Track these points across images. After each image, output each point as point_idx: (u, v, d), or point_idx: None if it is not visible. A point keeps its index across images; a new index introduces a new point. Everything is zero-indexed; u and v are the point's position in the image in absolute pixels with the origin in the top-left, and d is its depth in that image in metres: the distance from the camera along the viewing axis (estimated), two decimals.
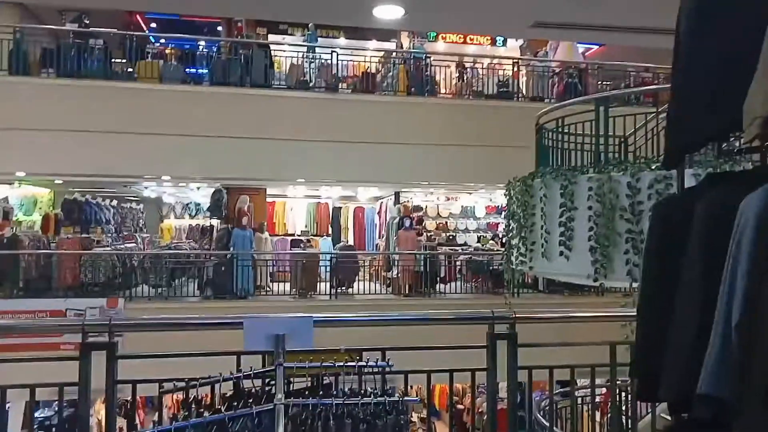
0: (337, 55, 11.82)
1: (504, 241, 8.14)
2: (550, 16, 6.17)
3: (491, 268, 11.62)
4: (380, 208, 15.30)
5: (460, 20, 7.11)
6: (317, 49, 12.39)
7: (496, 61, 13.75)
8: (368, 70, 12.23)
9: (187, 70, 11.53)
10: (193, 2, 6.85)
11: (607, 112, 5.68)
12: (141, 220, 16.27)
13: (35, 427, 7.14)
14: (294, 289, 11.27)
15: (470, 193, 15.65)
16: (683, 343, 1.47)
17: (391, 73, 12.17)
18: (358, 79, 12.30)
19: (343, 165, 11.13)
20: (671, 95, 1.93)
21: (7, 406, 2.80)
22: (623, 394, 6.22)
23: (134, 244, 12.90)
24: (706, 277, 1.43)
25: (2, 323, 4.67)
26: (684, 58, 1.84)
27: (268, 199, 14.40)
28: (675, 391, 1.49)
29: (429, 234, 13.91)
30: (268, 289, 11.53)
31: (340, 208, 15.76)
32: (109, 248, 11.55)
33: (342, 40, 15.08)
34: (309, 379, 2.47)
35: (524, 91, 12.72)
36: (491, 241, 14.42)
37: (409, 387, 2.95)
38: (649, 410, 3.83)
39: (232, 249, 10.97)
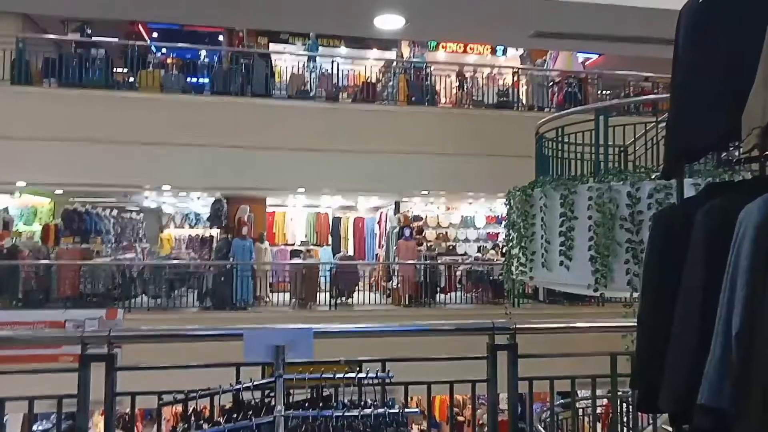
0: (338, 64, 11.87)
1: (504, 251, 8.13)
2: (549, 26, 6.21)
3: (491, 278, 11.59)
4: (380, 217, 15.30)
5: (461, 30, 7.14)
6: (318, 59, 12.46)
7: (496, 70, 13.79)
8: (369, 80, 12.28)
9: (188, 79, 11.59)
10: (194, 13, 6.87)
11: (607, 121, 5.69)
12: (141, 231, 16.25)
13: None
14: (294, 300, 11.24)
15: (470, 203, 15.65)
16: (684, 354, 1.47)
17: (391, 83, 12.22)
18: (358, 88, 12.34)
19: (343, 174, 11.14)
20: (670, 104, 1.94)
21: (6, 418, 2.78)
22: (624, 405, 6.20)
23: (134, 255, 12.89)
24: (706, 286, 1.43)
25: (1, 334, 4.65)
26: (683, 68, 1.85)
27: (268, 209, 14.40)
28: (676, 401, 1.48)
29: (429, 244, 13.90)
30: (267, 299, 11.50)
31: (340, 218, 15.76)
32: (108, 259, 11.55)
33: (343, 50, 15.14)
34: (309, 390, 2.46)
35: (524, 101, 12.76)
36: (491, 251, 14.40)
37: (409, 398, 2.94)
38: (651, 421, 3.81)
39: (231, 259, 10.97)
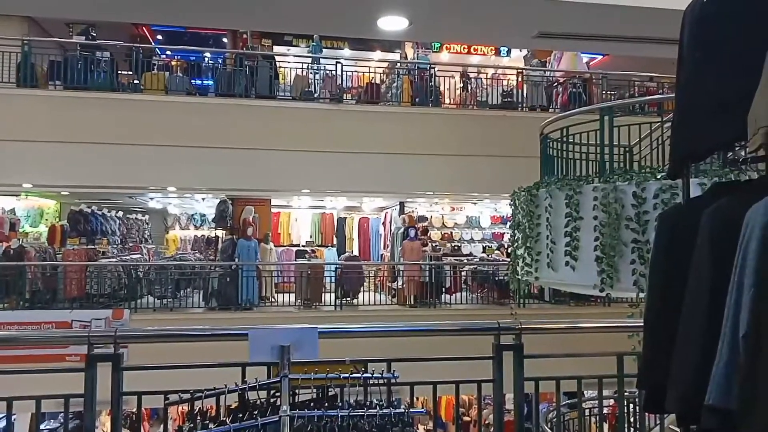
0: (342, 66, 11.88)
1: (509, 251, 8.12)
2: (553, 27, 6.21)
3: (497, 278, 11.58)
4: (385, 218, 15.30)
5: (465, 31, 7.15)
6: (322, 60, 12.46)
7: (500, 71, 13.78)
8: (372, 81, 12.28)
9: (192, 81, 11.62)
10: (199, 15, 6.90)
11: (612, 121, 5.68)
12: (146, 231, 16.33)
13: None
14: (299, 300, 11.26)
15: (475, 203, 15.64)
16: (691, 354, 1.47)
17: (395, 84, 12.22)
18: (362, 89, 12.35)
19: (347, 175, 11.15)
20: (675, 105, 1.93)
21: (13, 417, 2.79)
22: (631, 405, 6.18)
23: (139, 255, 12.94)
24: (713, 287, 1.42)
25: (8, 334, 4.68)
26: (688, 68, 1.84)
27: (273, 210, 14.43)
28: (683, 402, 1.48)
29: (434, 244, 13.89)
30: (273, 299, 11.53)
31: (345, 218, 15.77)
32: (114, 259, 11.60)
33: (346, 51, 15.16)
34: (314, 390, 2.47)
35: (528, 101, 12.73)
36: (496, 252, 14.39)
37: (414, 398, 2.94)
38: (658, 422, 3.80)
39: (237, 260, 11.00)
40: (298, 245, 14.98)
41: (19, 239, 11.25)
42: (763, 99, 1.36)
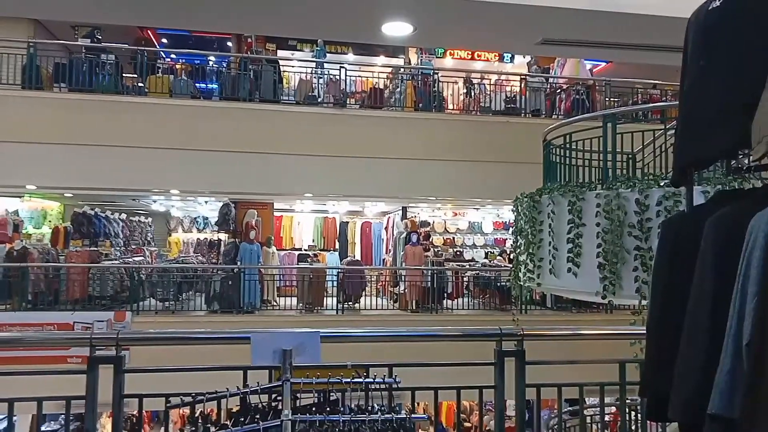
0: (346, 70, 11.91)
1: (512, 257, 8.11)
2: (557, 34, 6.22)
3: (499, 284, 11.57)
4: (387, 223, 15.31)
5: (469, 37, 7.17)
6: (326, 65, 12.50)
7: (503, 77, 13.80)
8: (376, 86, 12.31)
9: (197, 85, 11.66)
10: (204, 19, 6.93)
11: (615, 128, 5.68)
12: (149, 234, 16.34)
13: None
14: (301, 304, 11.26)
15: (477, 209, 15.63)
16: (693, 362, 1.46)
17: (399, 89, 12.24)
18: (366, 94, 12.37)
19: (350, 180, 11.17)
20: (679, 112, 1.93)
21: (15, 419, 2.80)
22: (633, 413, 6.15)
23: (142, 258, 12.95)
24: (716, 295, 1.42)
25: (10, 336, 4.69)
26: (692, 76, 1.85)
27: (276, 214, 14.45)
28: (685, 410, 1.47)
29: (436, 249, 13.88)
30: (275, 303, 11.53)
31: (347, 222, 15.78)
32: (117, 262, 11.61)
33: (350, 56, 15.19)
34: (316, 394, 2.46)
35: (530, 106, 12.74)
36: (499, 257, 14.36)
37: (416, 404, 2.93)
38: (660, 430, 3.78)
39: (239, 263, 10.99)
40: (300, 249, 14.99)
41: (22, 241, 11.27)
42: (767, 108, 1.36)
